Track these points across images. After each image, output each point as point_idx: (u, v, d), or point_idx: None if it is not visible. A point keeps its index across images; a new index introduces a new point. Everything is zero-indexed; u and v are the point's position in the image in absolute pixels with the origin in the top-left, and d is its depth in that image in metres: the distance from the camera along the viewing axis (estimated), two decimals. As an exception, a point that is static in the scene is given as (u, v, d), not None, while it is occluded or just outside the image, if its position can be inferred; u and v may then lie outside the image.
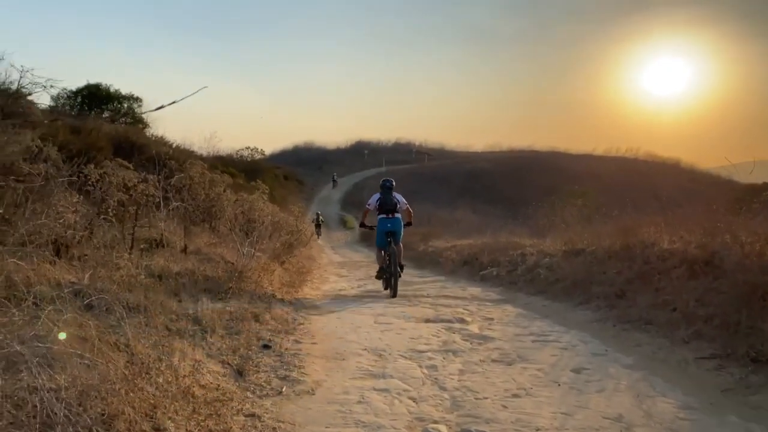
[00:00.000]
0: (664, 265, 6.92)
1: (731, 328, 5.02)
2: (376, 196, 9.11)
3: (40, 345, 2.86)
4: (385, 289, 9.06)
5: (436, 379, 4.62)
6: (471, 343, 5.85)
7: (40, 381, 2.55)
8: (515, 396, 4.20)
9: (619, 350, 5.46)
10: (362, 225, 10.00)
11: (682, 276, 6.41)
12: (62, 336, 2.92)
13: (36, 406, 2.48)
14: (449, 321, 6.97)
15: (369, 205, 9.20)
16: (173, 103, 5.71)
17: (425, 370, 4.85)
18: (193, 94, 5.44)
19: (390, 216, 8.84)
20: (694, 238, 7.00)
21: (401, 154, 73.16)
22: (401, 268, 8.88)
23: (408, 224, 9.31)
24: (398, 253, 8.74)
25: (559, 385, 4.45)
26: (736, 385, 4.27)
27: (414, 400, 4.12)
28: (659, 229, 7.84)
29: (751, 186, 11.31)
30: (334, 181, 53.55)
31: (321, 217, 26.21)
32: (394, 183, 9.18)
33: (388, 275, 8.78)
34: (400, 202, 8.98)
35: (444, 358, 5.25)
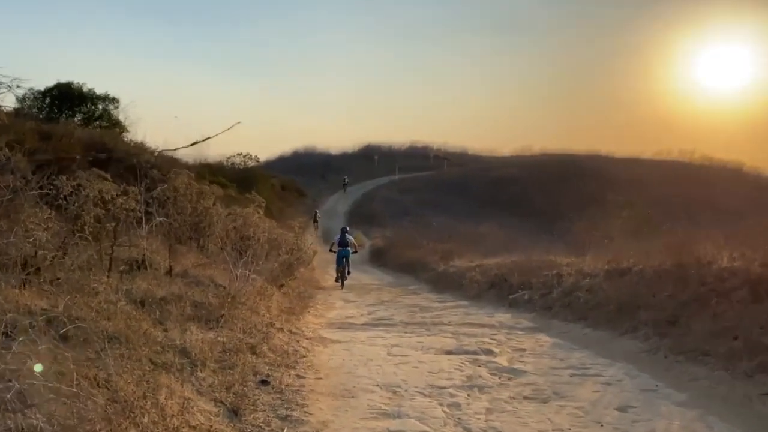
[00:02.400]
0: (723, 286, 6.92)
1: (802, 359, 5.02)
2: (338, 236, 18.09)
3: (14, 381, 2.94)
4: (339, 284, 16.78)
5: (459, 419, 4.65)
6: (499, 378, 5.88)
7: (15, 421, 2.63)
8: (551, 438, 4.23)
9: (672, 385, 5.47)
10: (330, 250, 18.43)
11: (745, 299, 6.41)
12: (38, 368, 3.00)
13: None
14: (474, 352, 7.01)
15: (334, 240, 18.32)
16: (207, 139, 5.74)
17: (447, 409, 4.89)
18: (227, 130, 5.46)
19: (344, 248, 17.25)
20: (759, 256, 7.00)
21: (417, 159, 73.10)
22: (348, 273, 17.24)
23: (354, 252, 18.44)
24: (347, 265, 17.12)
25: (602, 425, 4.48)
26: (808, 426, 4.28)
27: (434, 443, 4.16)
28: (718, 245, 7.84)
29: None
30: (344, 185, 53.58)
31: (318, 214, 38.11)
32: (348, 228, 19.41)
33: (342, 278, 16.85)
34: (350, 241, 17.69)
35: (468, 395, 5.29)
